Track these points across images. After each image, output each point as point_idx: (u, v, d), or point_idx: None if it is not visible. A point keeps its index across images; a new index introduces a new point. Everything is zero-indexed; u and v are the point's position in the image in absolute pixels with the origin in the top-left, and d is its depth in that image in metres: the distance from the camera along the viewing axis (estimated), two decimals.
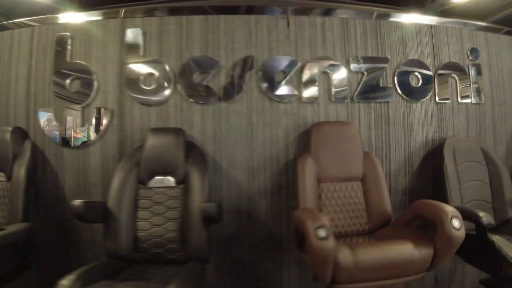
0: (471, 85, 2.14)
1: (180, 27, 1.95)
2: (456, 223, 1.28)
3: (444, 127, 2.12)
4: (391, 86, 2.06)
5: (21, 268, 1.68)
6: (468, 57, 2.16)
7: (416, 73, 2.09)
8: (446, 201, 1.79)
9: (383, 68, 2.04)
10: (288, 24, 1.99)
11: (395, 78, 2.06)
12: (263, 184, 1.96)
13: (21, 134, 1.83)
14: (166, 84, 1.92)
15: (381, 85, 2.04)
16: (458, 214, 1.33)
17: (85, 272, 1.31)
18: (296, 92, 1.98)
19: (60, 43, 1.93)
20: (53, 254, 1.89)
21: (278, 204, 1.95)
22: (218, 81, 1.95)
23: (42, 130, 1.91)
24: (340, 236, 1.72)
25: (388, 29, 2.08)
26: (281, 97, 1.97)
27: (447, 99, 2.12)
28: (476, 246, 1.57)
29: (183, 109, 1.94)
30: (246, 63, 1.96)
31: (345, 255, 1.24)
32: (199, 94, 1.93)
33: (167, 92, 1.92)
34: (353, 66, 2.03)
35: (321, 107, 2.02)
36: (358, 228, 1.74)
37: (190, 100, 1.93)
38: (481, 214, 1.50)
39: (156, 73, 1.92)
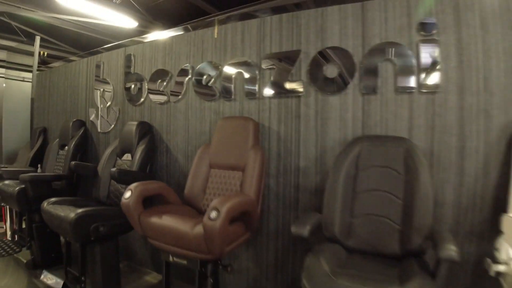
0: (417, 67, 1.69)
1: (152, 48, 2.70)
2: (212, 214, 1.39)
3: (373, 124, 1.81)
4: (302, 79, 1.99)
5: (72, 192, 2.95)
6: (419, 31, 1.69)
7: (335, 63, 1.90)
8: None
9: (293, 61, 2.00)
10: (216, 34, 2.32)
11: (308, 69, 1.97)
12: None
13: (79, 124, 3.17)
14: (143, 92, 2.74)
15: (290, 79, 2.02)
16: (222, 207, 1.40)
17: (61, 200, 2.33)
18: (217, 92, 2.30)
19: (98, 65, 3.12)
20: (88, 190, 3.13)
21: None
22: (169, 87, 2.57)
23: (90, 121, 3.19)
24: None
25: (306, 19, 1.99)
26: (207, 96, 2.35)
27: (377, 89, 1.79)
28: None
29: (151, 108, 2.70)
30: (184, 72, 2.47)
31: (143, 216, 1.63)
32: (160, 96, 2.63)
33: (143, 96, 2.74)
34: (264, 63, 2.11)
35: (237, 104, 2.24)
36: None
37: (154, 101, 2.66)
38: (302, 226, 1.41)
39: (138, 84, 2.78)
